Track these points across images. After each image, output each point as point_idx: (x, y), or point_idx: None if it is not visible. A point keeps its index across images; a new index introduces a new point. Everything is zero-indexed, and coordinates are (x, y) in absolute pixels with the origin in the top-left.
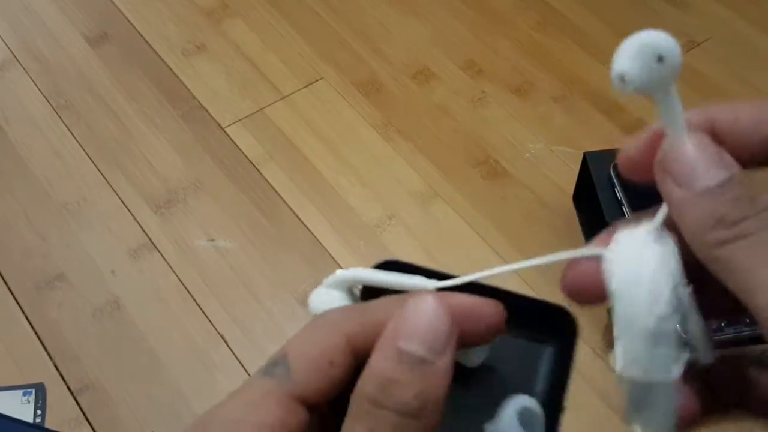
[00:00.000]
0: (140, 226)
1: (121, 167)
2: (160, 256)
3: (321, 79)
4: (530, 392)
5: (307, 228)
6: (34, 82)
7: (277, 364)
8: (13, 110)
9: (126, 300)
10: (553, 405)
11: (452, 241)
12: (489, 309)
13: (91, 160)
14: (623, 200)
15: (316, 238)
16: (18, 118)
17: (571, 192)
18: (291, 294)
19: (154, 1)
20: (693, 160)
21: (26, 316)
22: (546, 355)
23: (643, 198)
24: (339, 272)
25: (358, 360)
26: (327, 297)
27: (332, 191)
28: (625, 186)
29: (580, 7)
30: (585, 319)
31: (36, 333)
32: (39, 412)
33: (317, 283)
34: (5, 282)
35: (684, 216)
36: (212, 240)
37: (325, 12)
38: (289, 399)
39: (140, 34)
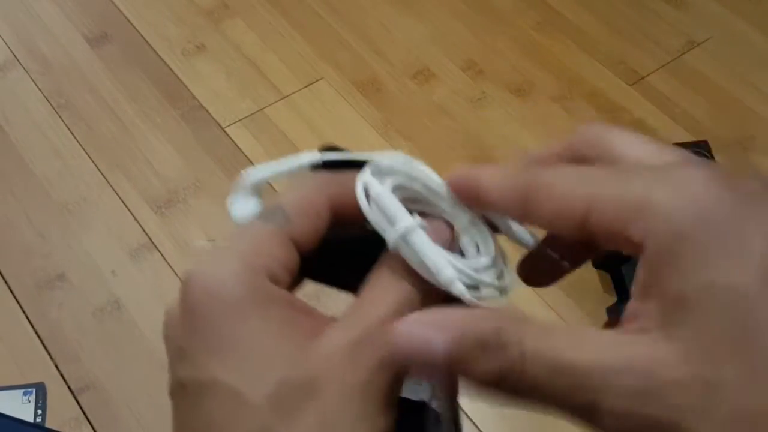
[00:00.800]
0: (140, 226)
1: (122, 167)
2: (160, 255)
3: (321, 79)
4: None
5: None
6: (34, 82)
7: (275, 212)
8: (13, 110)
9: (126, 300)
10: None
11: None
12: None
13: (91, 160)
14: None
15: None
16: (19, 118)
17: None
18: None
19: (155, 2)
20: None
21: (27, 316)
22: None
23: None
24: (247, 174)
25: (335, 217)
26: (246, 206)
27: None
28: None
29: (580, 7)
30: (580, 316)
31: (36, 333)
32: (39, 411)
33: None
34: (6, 282)
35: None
36: (212, 240)
37: (326, 12)
38: (288, 240)
39: (140, 35)
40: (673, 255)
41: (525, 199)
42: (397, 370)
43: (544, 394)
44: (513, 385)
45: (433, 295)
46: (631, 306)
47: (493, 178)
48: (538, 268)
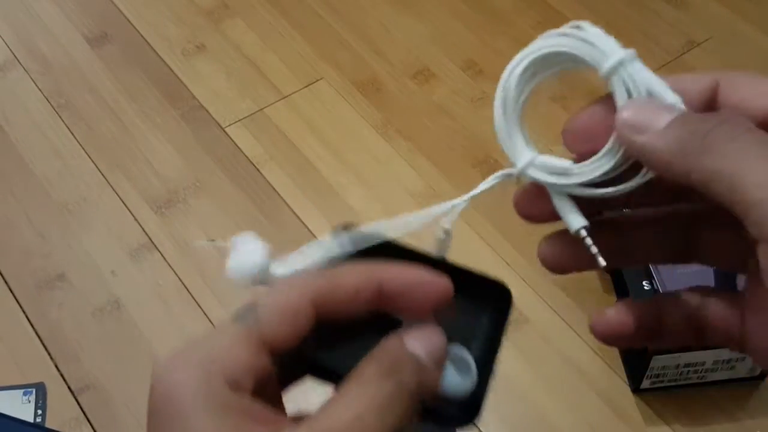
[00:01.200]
0: (140, 226)
1: (122, 167)
2: (160, 255)
3: (321, 79)
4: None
5: (307, 228)
6: (34, 82)
7: (247, 312)
8: (13, 110)
9: (126, 300)
10: (485, 368)
11: (452, 240)
12: (437, 283)
13: (91, 160)
14: None
15: (316, 237)
16: (19, 118)
17: None
18: None
19: (155, 2)
20: (647, 109)
21: (27, 316)
22: (483, 321)
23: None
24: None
25: (320, 318)
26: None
27: (332, 191)
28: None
29: (579, 7)
30: (580, 316)
31: (36, 333)
32: (39, 411)
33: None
34: (6, 282)
35: (655, 152)
36: (212, 240)
37: (326, 12)
38: (256, 343)
39: (140, 35)
40: None
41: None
42: None
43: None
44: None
45: (396, 406)
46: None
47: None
48: (567, 252)
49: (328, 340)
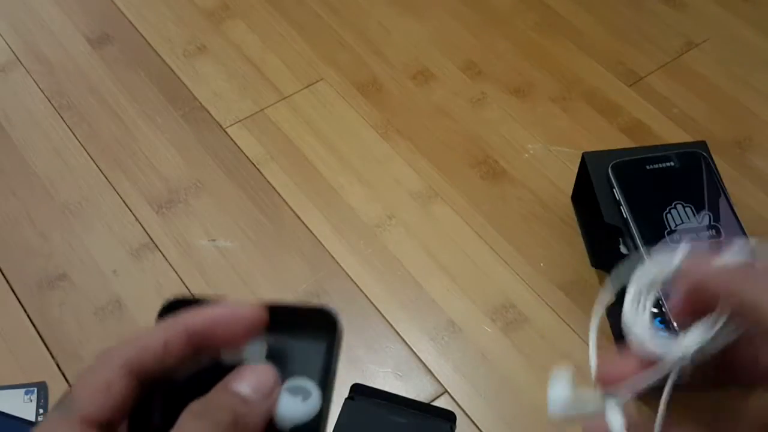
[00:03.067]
0: (142, 225)
1: (123, 167)
2: (161, 255)
3: (321, 79)
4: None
5: (308, 228)
6: (36, 82)
7: (63, 400)
8: (15, 111)
9: (128, 299)
10: (325, 390)
11: (451, 240)
12: (247, 313)
13: (92, 160)
14: (621, 200)
15: (316, 237)
16: (20, 118)
17: (570, 192)
18: (291, 293)
19: (156, 3)
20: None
21: (28, 316)
22: (318, 350)
23: (642, 198)
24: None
25: (141, 379)
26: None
27: (332, 191)
28: (624, 186)
29: (579, 8)
30: (580, 316)
31: (38, 332)
32: (41, 410)
33: (317, 281)
34: (8, 281)
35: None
36: (213, 240)
37: (326, 13)
38: (75, 424)
39: (142, 36)
40: None
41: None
42: None
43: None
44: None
45: None
46: None
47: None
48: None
49: (172, 402)
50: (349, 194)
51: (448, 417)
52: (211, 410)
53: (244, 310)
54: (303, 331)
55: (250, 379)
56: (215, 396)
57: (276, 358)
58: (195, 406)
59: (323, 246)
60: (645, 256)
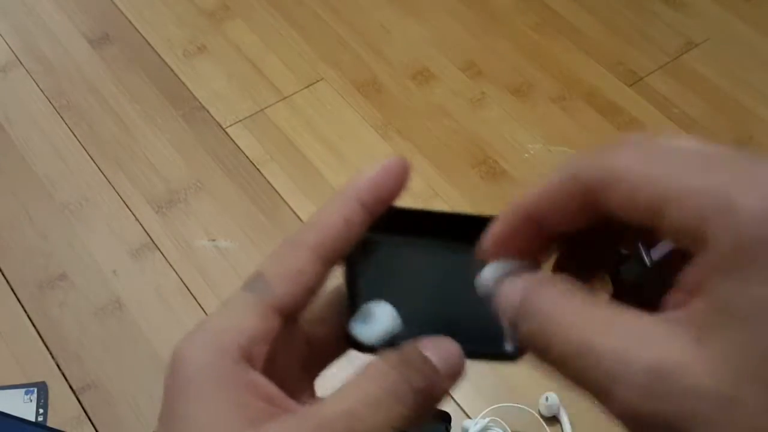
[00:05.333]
0: (142, 226)
1: (123, 167)
2: (161, 255)
3: (321, 80)
4: None
5: None
6: (36, 83)
7: (256, 281)
8: (15, 111)
9: (127, 299)
10: None
11: None
12: (396, 163)
13: (92, 160)
14: None
15: None
16: (20, 118)
17: None
18: None
19: (156, 3)
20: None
21: (29, 316)
22: None
23: None
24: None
25: (327, 266)
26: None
27: (332, 191)
28: None
29: (578, 8)
30: None
31: (38, 332)
32: (41, 410)
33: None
34: (8, 282)
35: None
36: (213, 240)
37: (326, 13)
38: (267, 309)
39: (142, 36)
40: (741, 261)
41: (589, 195)
42: None
43: (565, 369)
44: (539, 354)
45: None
46: (676, 295)
47: (544, 188)
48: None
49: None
50: None
51: (444, 417)
52: (404, 365)
53: (393, 161)
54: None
55: (440, 349)
56: (410, 355)
57: (468, 270)
58: (391, 357)
59: None
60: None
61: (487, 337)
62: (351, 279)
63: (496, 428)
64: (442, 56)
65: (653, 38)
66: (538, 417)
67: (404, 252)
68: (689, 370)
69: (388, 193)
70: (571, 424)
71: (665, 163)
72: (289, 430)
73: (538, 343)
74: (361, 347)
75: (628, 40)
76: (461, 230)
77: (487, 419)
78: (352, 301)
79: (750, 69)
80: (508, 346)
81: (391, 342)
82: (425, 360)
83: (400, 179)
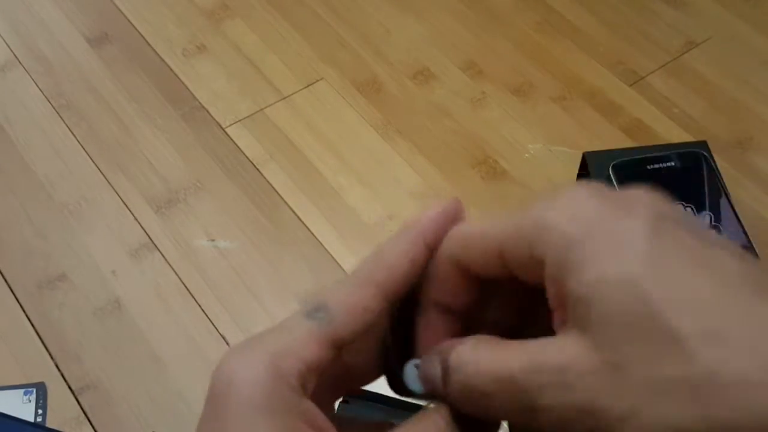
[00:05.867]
0: (141, 226)
1: (122, 167)
2: (160, 256)
3: (321, 79)
4: None
5: (308, 228)
6: (35, 82)
7: (318, 310)
8: (14, 110)
9: (127, 300)
10: None
11: None
12: (453, 206)
13: (92, 160)
14: None
15: (316, 238)
16: (19, 118)
17: None
18: (292, 293)
19: (155, 2)
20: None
21: (27, 316)
22: None
23: None
24: None
25: (389, 305)
26: None
27: (332, 191)
28: (625, 186)
29: (579, 7)
30: None
31: (37, 332)
32: (40, 411)
33: (318, 282)
34: (6, 282)
35: None
36: (213, 240)
37: (326, 13)
38: (327, 340)
39: (141, 35)
40: (568, 262)
41: (458, 253)
42: None
43: (491, 403)
44: (466, 401)
45: None
46: (556, 315)
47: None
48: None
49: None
50: (349, 194)
51: None
52: (458, 425)
53: (452, 203)
54: None
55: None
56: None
57: None
58: (444, 410)
59: (323, 246)
60: None
61: None
62: (402, 321)
63: None
64: (442, 56)
65: (654, 38)
66: None
67: None
68: (578, 356)
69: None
70: None
71: (493, 220)
72: None
73: (469, 392)
74: (403, 391)
75: (629, 39)
76: None
77: None
78: (403, 344)
79: (751, 69)
80: None
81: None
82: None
83: (457, 222)
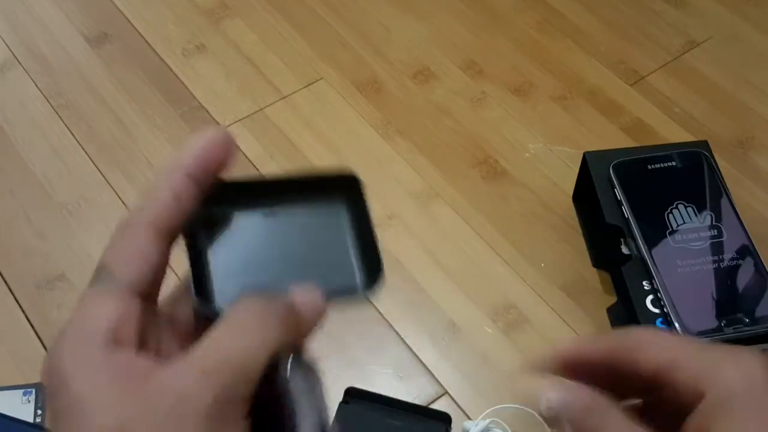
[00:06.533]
0: None
1: (122, 167)
2: None
3: (321, 79)
4: (344, 242)
5: None
6: (34, 82)
7: (100, 274)
8: (13, 110)
9: None
10: (371, 243)
11: (452, 240)
12: (221, 135)
13: (91, 160)
14: (623, 200)
15: None
16: (18, 118)
17: (571, 192)
18: None
19: (154, 2)
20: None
21: (26, 316)
22: (348, 213)
23: (643, 198)
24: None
25: (167, 237)
26: None
27: None
28: (625, 186)
29: (580, 7)
30: (580, 316)
31: (36, 333)
32: (39, 411)
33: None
34: (5, 282)
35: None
36: None
37: (326, 12)
38: (120, 294)
39: (140, 35)
40: (725, 409)
41: (621, 354)
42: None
43: None
44: None
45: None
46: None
47: (590, 345)
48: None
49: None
50: None
51: (444, 419)
52: (269, 297)
53: (216, 132)
54: (328, 198)
55: (297, 289)
56: (269, 292)
57: (306, 228)
58: (255, 294)
59: None
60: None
61: (337, 286)
62: (193, 255)
63: (496, 429)
64: (442, 56)
65: (655, 37)
66: (540, 418)
67: (243, 221)
68: None
69: (215, 164)
70: None
71: (675, 342)
72: (177, 366)
73: None
74: (210, 315)
75: (630, 39)
76: (294, 191)
77: (488, 420)
78: (196, 276)
79: (752, 68)
80: (358, 286)
81: None
82: (283, 293)
83: (225, 150)
